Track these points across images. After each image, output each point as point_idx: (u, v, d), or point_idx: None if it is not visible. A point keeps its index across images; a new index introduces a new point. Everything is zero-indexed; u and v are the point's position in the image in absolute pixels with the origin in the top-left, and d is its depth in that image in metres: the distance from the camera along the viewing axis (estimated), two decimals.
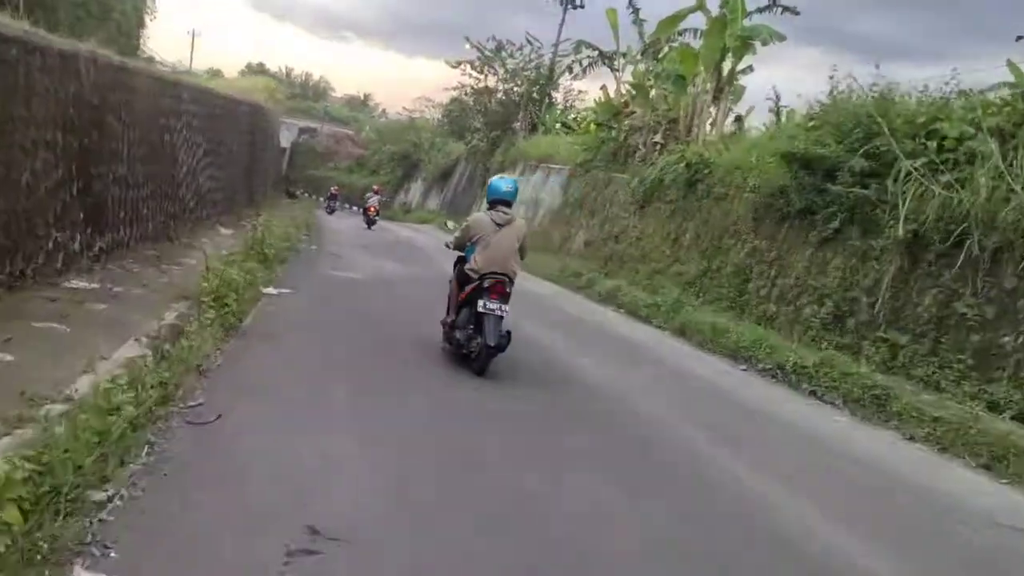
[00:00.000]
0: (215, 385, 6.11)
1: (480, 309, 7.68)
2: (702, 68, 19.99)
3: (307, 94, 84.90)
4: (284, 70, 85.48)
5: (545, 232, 26.67)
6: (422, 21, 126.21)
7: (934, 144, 10.38)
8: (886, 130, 10.75)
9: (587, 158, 25.07)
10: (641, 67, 23.75)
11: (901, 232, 10.13)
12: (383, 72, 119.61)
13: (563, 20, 37.11)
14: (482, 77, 37.78)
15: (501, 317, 7.72)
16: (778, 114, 18.55)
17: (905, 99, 11.65)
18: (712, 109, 21.12)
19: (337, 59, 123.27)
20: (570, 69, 24.99)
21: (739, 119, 21.33)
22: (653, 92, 21.50)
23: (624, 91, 24.09)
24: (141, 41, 18.24)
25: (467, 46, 38.06)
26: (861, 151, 11.16)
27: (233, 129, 18.10)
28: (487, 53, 37.12)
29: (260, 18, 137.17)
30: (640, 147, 22.24)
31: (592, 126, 25.83)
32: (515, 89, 37.33)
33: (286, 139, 58.64)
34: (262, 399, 6.11)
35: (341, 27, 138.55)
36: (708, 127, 21.00)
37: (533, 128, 36.97)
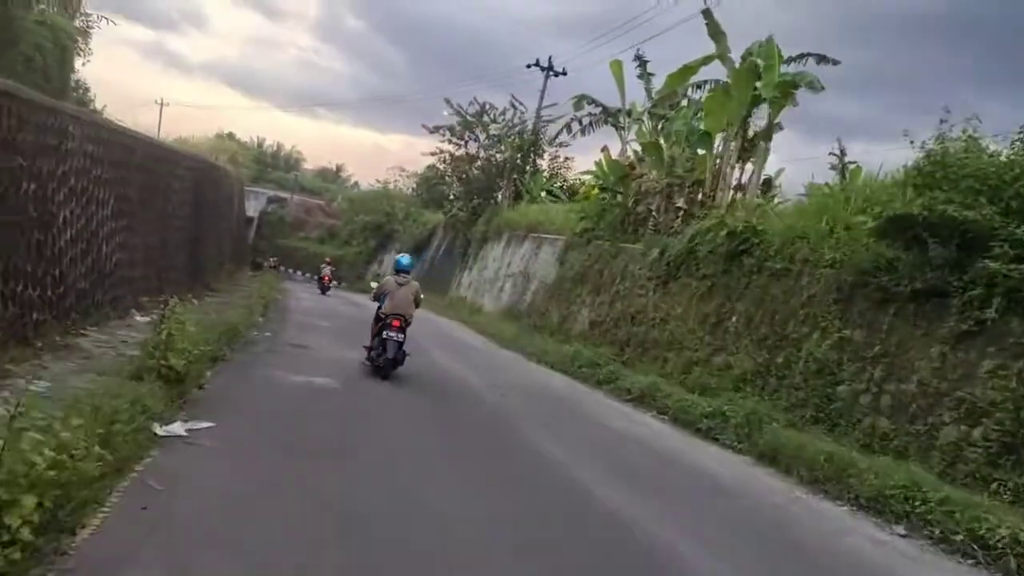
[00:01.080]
0: None
1: (384, 336, 11.37)
2: (726, 123, 16.94)
3: (278, 164, 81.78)
4: (255, 140, 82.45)
5: (540, 310, 23.13)
6: (395, 98, 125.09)
7: None
8: None
9: (587, 227, 21.81)
10: (648, 124, 20.71)
11: None
12: (355, 146, 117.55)
13: (544, 87, 34.54)
14: (462, 143, 34.81)
15: (399, 341, 11.36)
16: (843, 172, 15.39)
17: None
18: (737, 170, 18.06)
19: (309, 133, 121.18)
20: (569, 128, 21.90)
21: (768, 182, 18.21)
22: (668, 151, 18.36)
23: (631, 152, 20.97)
24: (69, 82, 14.94)
25: (446, 112, 35.21)
26: None
27: (166, 187, 14.62)
28: (468, 117, 34.22)
29: (232, 95, 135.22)
30: (653, 213, 19.01)
31: (592, 191, 22.64)
32: (498, 156, 34.33)
33: (253, 208, 55.08)
34: None
35: (313, 104, 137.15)
36: (732, 191, 17.89)
37: (517, 196, 33.85)
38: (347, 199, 60.00)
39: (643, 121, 20.61)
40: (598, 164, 22.00)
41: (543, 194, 32.98)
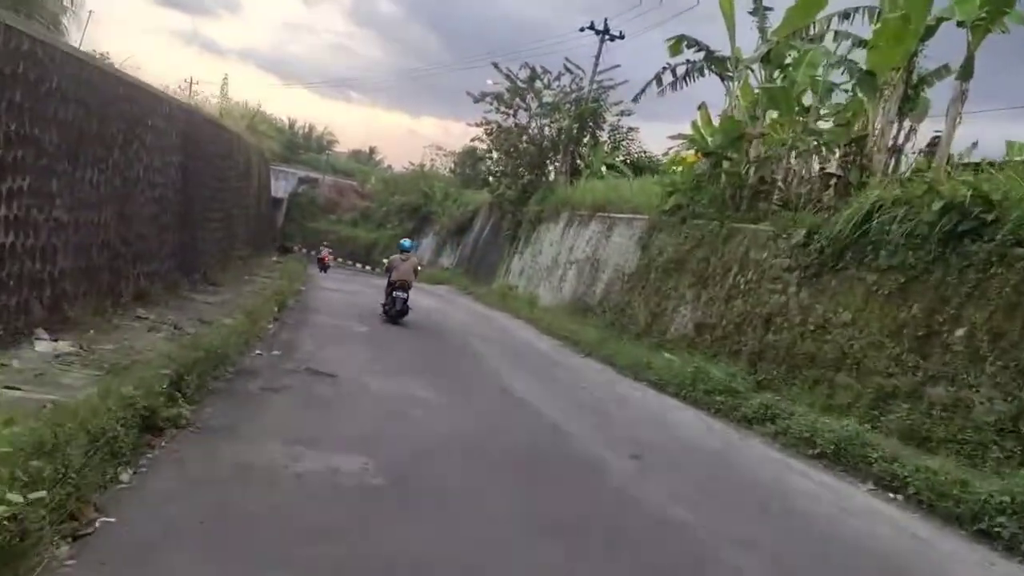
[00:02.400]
0: None
1: (393, 296, 15.50)
2: (899, 61, 12.29)
3: (310, 146, 77.83)
4: (287, 120, 78.53)
5: (617, 305, 18.66)
6: (428, 82, 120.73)
7: None
8: None
9: (680, 203, 17.28)
10: (760, 74, 16.08)
11: None
12: (388, 130, 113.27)
13: (600, 52, 29.92)
14: (511, 113, 30.32)
15: (404, 298, 15.47)
16: None
17: None
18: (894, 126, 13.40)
19: (342, 116, 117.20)
20: (659, 80, 17.24)
21: (934, 142, 13.51)
22: (813, 100, 13.74)
23: (737, 108, 16.35)
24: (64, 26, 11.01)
25: (489, 81, 30.65)
26: None
27: (129, 137, 9.63)
28: (519, 83, 29.69)
29: (267, 79, 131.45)
30: (779, 183, 14.43)
31: (686, 159, 18.05)
32: (552, 126, 29.78)
33: (283, 189, 51.18)
34: None
35: (347, 88, 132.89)
36: (889, 154, 13.26)
37: (574, 172, 29.34)
38: (381, 180, 55.85)
39: (753, 70, 15.93)
40: (695, 125, 17.41)
41: (603, 169, 28.44)
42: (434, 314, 19.44)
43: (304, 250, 47.04)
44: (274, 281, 17.03)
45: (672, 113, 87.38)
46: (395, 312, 15.22)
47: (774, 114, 15.52)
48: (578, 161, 29.05)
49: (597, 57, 30.02)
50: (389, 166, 76.89)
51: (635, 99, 18.30)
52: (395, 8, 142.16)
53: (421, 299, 24.57)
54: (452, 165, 57.09)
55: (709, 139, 17.12)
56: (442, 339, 15.14)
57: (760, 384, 11.61)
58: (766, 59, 15.83)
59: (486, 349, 14.38)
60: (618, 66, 28.79)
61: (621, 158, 29.05)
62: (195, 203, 12.29)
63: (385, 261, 16.78)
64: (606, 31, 30.57)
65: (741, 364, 12.51)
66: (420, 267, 16.78)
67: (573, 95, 29.12)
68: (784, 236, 12.91)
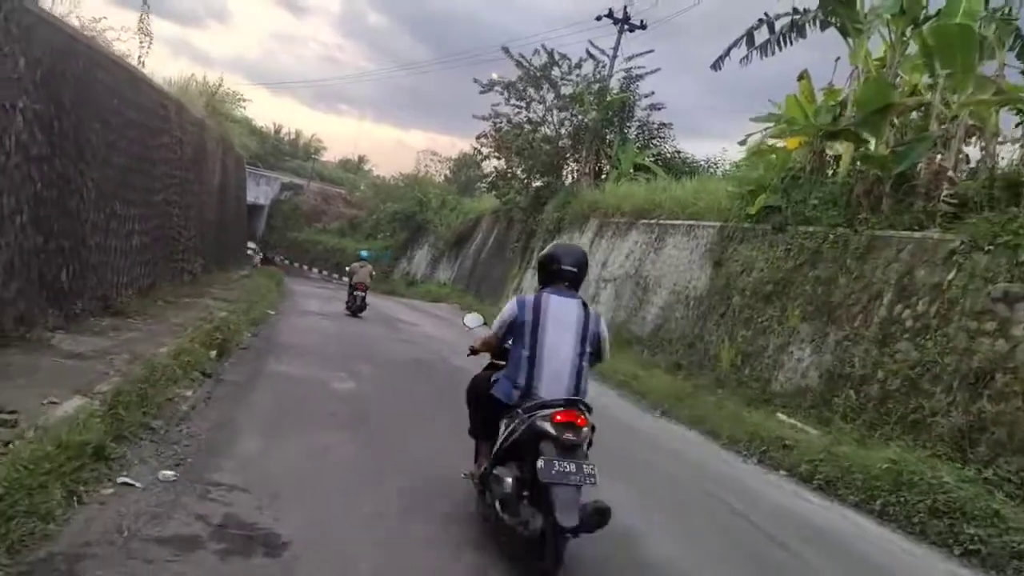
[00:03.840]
0: None
1: (354, 294, 17.58)
2: None
3: (297, 153, 73.07)
4: (272, 126, 73.77)
5: (682, 338, 14.09)
6: (417, 96, 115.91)
7: None
8: None
9: (774, 203, 12.76)
10: (893, 31, 11.61)
11: None
12: (378, 141, 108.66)
13: (618, 43, 25.49)
14: (523, 105, 25.75)
15: (363, 295, 17.53)
16: None
17: None
18: None
19: (331, 127, 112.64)
20: (750, 39, 12.69)
21: None
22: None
23: (864, 72, 11.83)
24: None
25: (495, 75, 26.00)
26: None
27: None
28: (535, 72, 25.12)
29: (256, 90, 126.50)
30: (953, 173, 9.89)
31: (780, 148, 13.46)
32: (573, 120, 25.22)
33: (264, 195, 46.41)
34: None
35: (336, 100, 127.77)
36: None
37: (598, 174, 24.82)
38: (372, 186, 51.14)
39: (889, 21, 11.38)
40: (793, 101, 12.90)
41: (631, 170, 23.92)
42: (437, 343, 14.77)
43: (286, 261, 42.30)
44: (230, 304, 12.26)
45: (703, 126, 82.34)
46: (355, 307, 17.65)
47: (923, 78, 11.03)
48: (603, 161, 24.50)
49: (615, 48, 25.60)
50: (379, 176, 72.38)
51: (716, 65, 13.67)
52: (382, 19, 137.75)
53: (420, 322, 19.89)
54: (448, 172, 52.66)
55: (813, 118, 12.58)
56: (456, 387, 10.50)
57: (989, 482, 7.02)
58: (899, 11, 11.33)
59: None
60: (651, 51, 24.30)
61: (651, 158, 24.49)
62: (80, 186, 7.69)
63: (348, 268, 19.61)
64: (626, 20, 26.17)
65: (932, 444, 7.91)
66: (372, 274, 19.23)
67: (596, 85, 24.59)
68: (990, 249, 8.36)
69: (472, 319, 5.84)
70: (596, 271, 19.55)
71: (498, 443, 4.29)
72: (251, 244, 42.18)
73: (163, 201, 11.47)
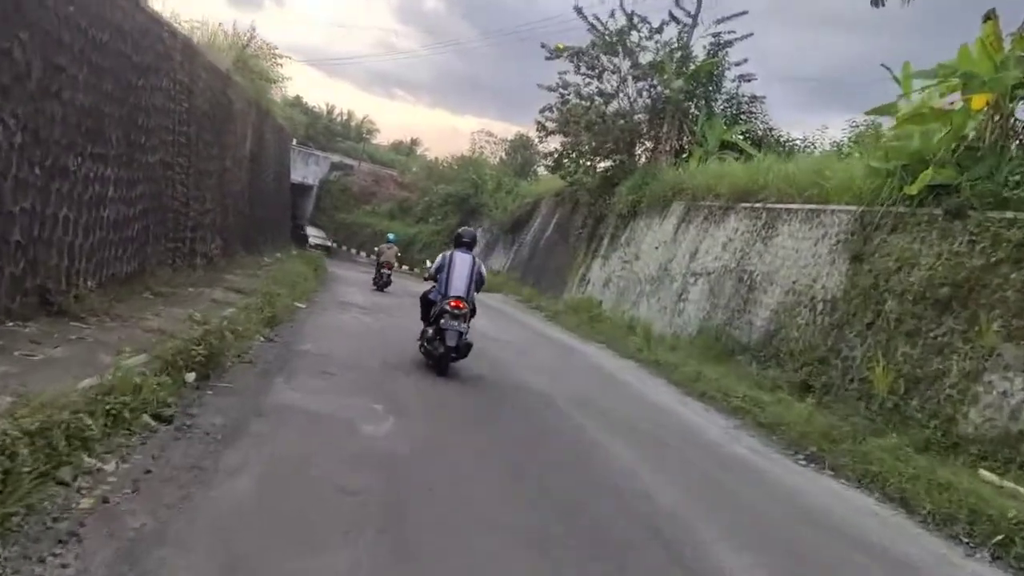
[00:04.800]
0: None
1: (380, 271, 19.68)
2: None
3: (348, 134, 71.06)
4: (325, 107, 71.88)
5: (809, 350, 11.06)
6: (471, 81, 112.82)
7: None
8: None
9: (949, 180, 9.66)
10: None
11: None
12: (431, 127, 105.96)
13: (698, 8, 22.27)
14: (595, 75, 22.71)
15: (389, 274, 19.67)
16: None
17: None
18: None
19: (385, 112, 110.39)
20: None
21: None
22: None
23: None
24: None
25: (560, 50, 22.84)
26: None
27: None
28: (610, 37, 22.06)
29: (313, 74, 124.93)
30: None
31: (972, 103, 10.26)
32: (652, 91, 22.13)
33: (313, 175, 44.26)
34: None
35: (391, 84, 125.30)
36: None
37: (679, 152, 21.72)
38: (424, 167, 48.61)
39: None
40: (973, 50, 9.73)
41: (716, 149, 20.76)
42: (504, 349, 12.04)
43: (334, 244, 40.13)
44: (246, 297, 9.70)
45: None
46: (382, 283, 19.65)
47: None
48: (685, 138, 21.39)
49: (695, 15, 22.36)
50: (435, 158, 69.96)
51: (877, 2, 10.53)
52: (438, 4, 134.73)
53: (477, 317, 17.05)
54: (503, 154, 49.83)
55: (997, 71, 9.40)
56: (528, 413, 7.71)
57: None
58: None
59: (631, 454, 6.91)
60: (744, 12, 21.00)
61: (741, 135, 21.27)
62: (32, 137, 5.23)
63: (376, 249, 21.60)
64: None
65: None
66: (398, 255, 21.36)
67: (680, 52, 21.46)
68: None
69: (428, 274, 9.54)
70: (683, 263, 16.57)
71: (430, 318, 9.07)
72: (312, 230, 39.85)
73: (159, 163, 8.86)
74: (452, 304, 8.55)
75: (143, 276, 8.31)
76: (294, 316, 10.59)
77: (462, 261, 9.04)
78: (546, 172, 43.94)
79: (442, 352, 8.45)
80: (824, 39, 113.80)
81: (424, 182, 44.22)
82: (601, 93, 23.03)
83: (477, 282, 9.13)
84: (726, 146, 20.94)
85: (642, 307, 17.69)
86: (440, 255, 9.42)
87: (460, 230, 10.03)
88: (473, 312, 8.99)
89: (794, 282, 12.26)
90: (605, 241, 22.05)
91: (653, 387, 11.12)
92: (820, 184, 12.89)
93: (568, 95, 23.51)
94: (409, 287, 19.99)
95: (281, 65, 19.61)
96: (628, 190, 20.87)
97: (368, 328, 11.74)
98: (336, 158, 48.23)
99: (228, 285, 10.15)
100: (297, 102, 68.76)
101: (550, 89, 23.56)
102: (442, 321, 8.50)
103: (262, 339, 8.13)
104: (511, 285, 27.91)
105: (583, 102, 23.30)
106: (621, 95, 22.81)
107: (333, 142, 60.85)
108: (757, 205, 14.51)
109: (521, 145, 48.35)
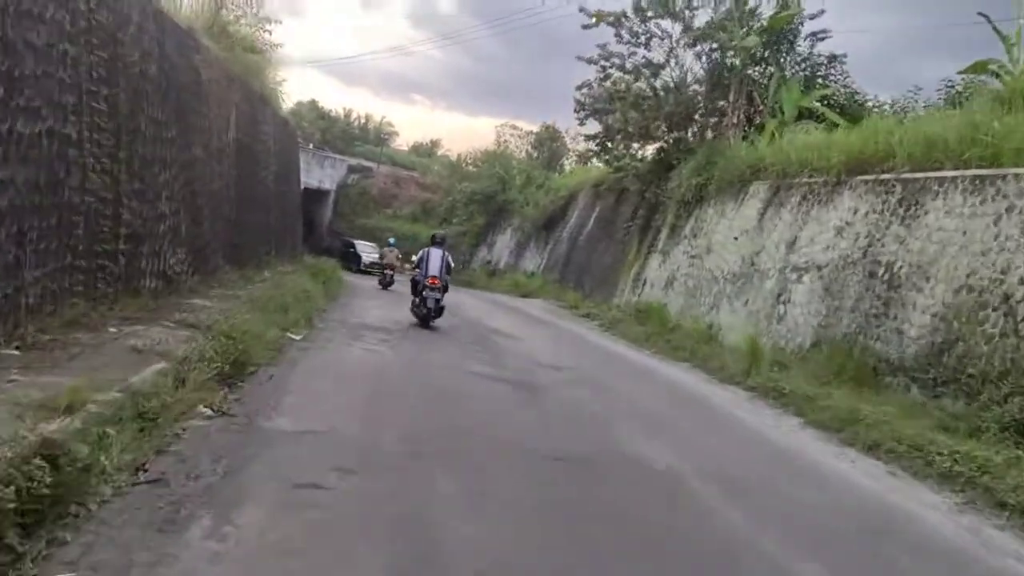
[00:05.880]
0: None
1: (384, 272, 21.05)
2: None
3: (367, 137, 68.11)
4: (342, 111, 69.03)
5: (1002, 381, 7.53)
6: (487, 83, 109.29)
7: None
8: None
9: None
10: None
11: None
12: (448, 129, 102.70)
13: None
14: (642, 42, 19.29)
15: (391, 275, 20.86)
16: None
17: None
18: None
19: (403, 116, 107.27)
20: None
21: None
22: None
23: None
24: None
25: (599, 17, 19.37)
26: None
27: None
28: None
29: (330, 82, 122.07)
30: None
31: None
32: (711, 57, 18.68)
33: (330, 179, 41.30)
34: None
35: (409, 90, 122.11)
36: None
37: (748, 124, 18.25)
38: (447, 165, 45.38)
39: None
40: None
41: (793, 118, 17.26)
42: (560, 380, 8.73)
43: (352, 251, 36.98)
44: (200, 336, 6.46)
45: None
46: (386, 282, 20.84)
47: None
48: (759, 107, 17.93)
49: None
50: (458, 155, 66.79)
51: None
52: (452, 6, 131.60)
53: (524, 333, 13.61)
54: (529, 148, 46.50)
55: None
56: (653, 515, 4.41)
57: None
58: None
59: None
60: None
61: (818, 100, 17.72)
62: None
63: (379, 252, 25.66)
64: None
65: None
66: (399, 256, 22.46)
67: (747, 4, 17.99)
68: None
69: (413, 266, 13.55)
70: (776, 256, 13.14)
71: (417, 292, 12.48)
72: (365, 245, 33.55)
73: (48, 136, 5.73)
74: (430, 281, 12.24)
75: (18, 314, 5.16)
76: (280, 355, 7.36)
77: (435, 254, 12.62)
78: (577, 163, 40.67)
79: (425, 312, 12.27)
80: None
81: (447, 181, 41.03)
82: (649, 64, 19.62)
83: (447, 267, 12.69)
84: (802, 116, 17.48)
85: (722, 311, 14.28)
86: (421, 251, 13.18)
87: (434, 232, 14.11)
88: (445, 288, 12.59)
89: (968, 275, 8.80)
90: (663, 234, 18.65)
91: (793, 436, 7.72)
92: (983, 143, 9.43)
93: (610, 68, 20.14)
94: (471, 311, 16.34)
95: (270, 32, 16.23)
96: (690, 172, 17.44)
97: (389, 368, 8.38)
98: (353, 161, 45.21)
99: (182, 317, 6.96)
100: (313, 106, 66.39)
101: (589, 61, 20.18)
102: (424, 292, 12.26)
103: (208, 412, 4.89)
104: (549, 289, 24.60)
105: (627, 76, 19.94)
106: (672, 64, 19.40)
107: (351, 147, 57.95)
108: (886, 177, 11.04)
109: (548, 137, 45.02)
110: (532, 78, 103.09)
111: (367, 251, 33.41)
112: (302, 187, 29.54)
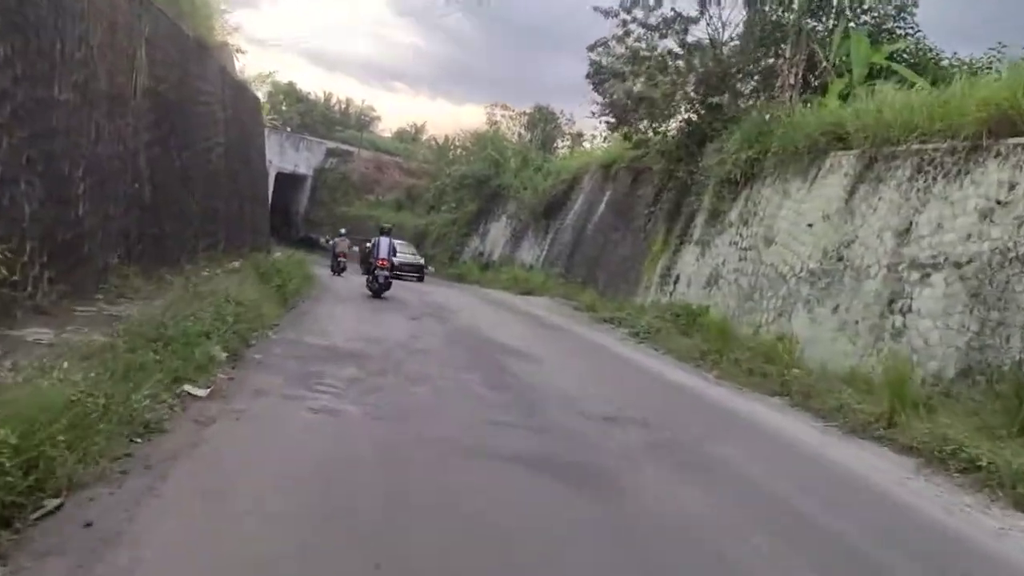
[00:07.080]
0: None
1: (337, 259, 22.61)
2: None
3: (348, 122, 64.13)
4: (323, 94, 64.98)
5: None
6: (471, 71, 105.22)
7: None
8: None
9: None
10: None
11: None
12: (432, 116, 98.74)
13: None
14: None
15: (344, 262, 22.46)
16: None
17: None
18: None
19: (386, 104, 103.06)
20: None
21: None
22: None
23: None
24: None
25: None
26: None
27: None
28: None
29: (315, 71, 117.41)
30: None
31: None
32: (755, 6, 15.31)
33: (305, 163, 37.61)
34: None
35: (390, 78, 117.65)
36: None
37: (805, 86, 14.91)
38: (434, 150, 41.75)
39: None
40: None
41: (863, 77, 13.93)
42: (605, 441, 5.30)
43: (330, 241, 33.39)
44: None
45: None
46: (339, 269, 22.04)
47: None
48: (823, 62, 14.56)
49: None
50: (446, 136, 62.82)
51: None
52: None
53: (542, 351, 10.12)
54: (521, 130, 42.97)
55: None
56: None
57: None
58: None
59: None
60: None
61: (887, 57, 14.41)
62: None
63: (332, 241, 25.53)
64: None
65: None
66: (351, 245, 24.65)
67: None
68: None
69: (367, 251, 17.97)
70: (880, 247, 9.83)
71: (369, 270, 15.90)
72: (334, 240, 25.78)
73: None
74: (380, 263, 15.11)
75: None
76: (132, 460, 3.84)
77: (384, 242, 15.47)
78: (573, 146, 37.20)
79: (377, 287, 15.20)
80: None
81: (434, 166, 37.47)
82: (679, 17, 16.22)
83: (392, 250, 15.77)
84: (871, 75, 14.18)
85: (797, 319, 10.96)
86: (373, 239, 16.47)
87: (382, 225, 18.30)
88: (393, 267, 15.84)
89: None
90: (699, 220, 15.32)
91: None
92: None
93: (631, 23, 16.73)
94: (472, 318, 13.11)
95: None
96: (737, 144, 14.08)
97: (349, 467, 4.50)
98: (332, 144, 41.51)
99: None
100: (291, 89, 62.39)
101: (607, 14, 16.73)
102: (375, 271, 15.27)
103: None
104: (553, 285, 21.21)
105: (653, 32, 16.55)
106: (708, 16, 16.02)
107: (332, 131, 54.23)
108: None
109: (541, 119, 41.50)
110: (519, 66, 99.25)
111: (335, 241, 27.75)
112: (275, 171, 26.04)
